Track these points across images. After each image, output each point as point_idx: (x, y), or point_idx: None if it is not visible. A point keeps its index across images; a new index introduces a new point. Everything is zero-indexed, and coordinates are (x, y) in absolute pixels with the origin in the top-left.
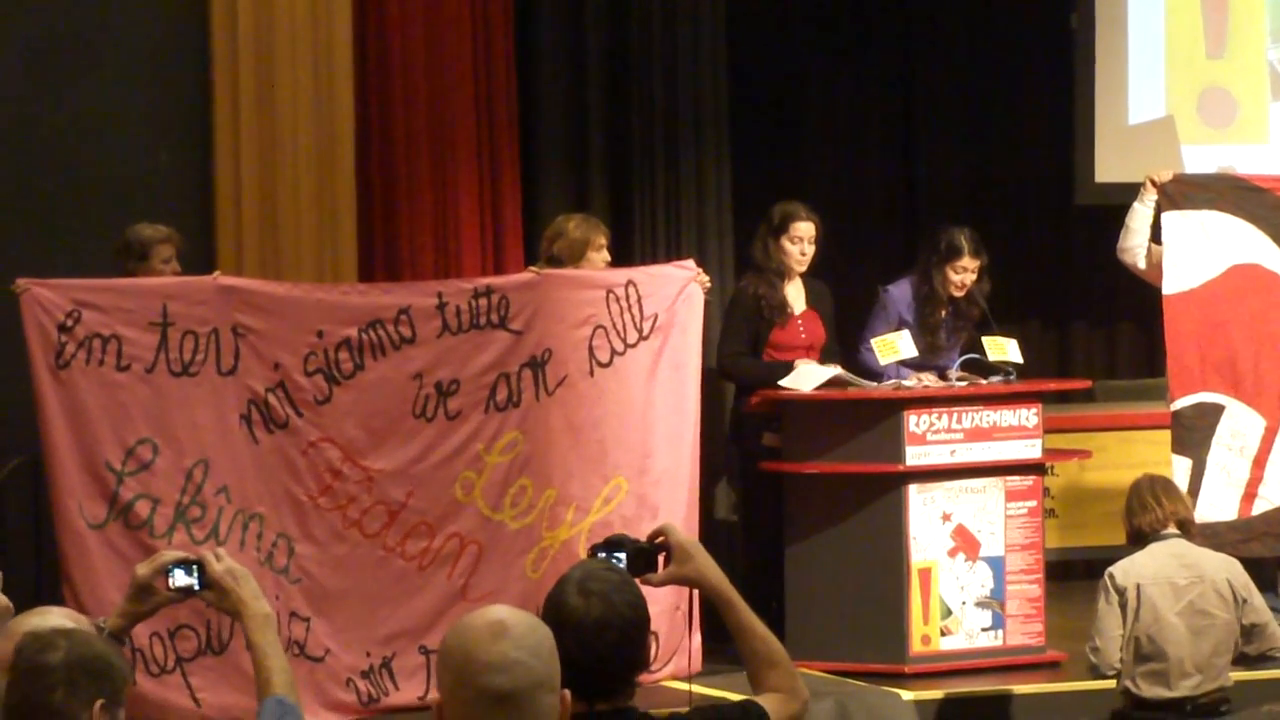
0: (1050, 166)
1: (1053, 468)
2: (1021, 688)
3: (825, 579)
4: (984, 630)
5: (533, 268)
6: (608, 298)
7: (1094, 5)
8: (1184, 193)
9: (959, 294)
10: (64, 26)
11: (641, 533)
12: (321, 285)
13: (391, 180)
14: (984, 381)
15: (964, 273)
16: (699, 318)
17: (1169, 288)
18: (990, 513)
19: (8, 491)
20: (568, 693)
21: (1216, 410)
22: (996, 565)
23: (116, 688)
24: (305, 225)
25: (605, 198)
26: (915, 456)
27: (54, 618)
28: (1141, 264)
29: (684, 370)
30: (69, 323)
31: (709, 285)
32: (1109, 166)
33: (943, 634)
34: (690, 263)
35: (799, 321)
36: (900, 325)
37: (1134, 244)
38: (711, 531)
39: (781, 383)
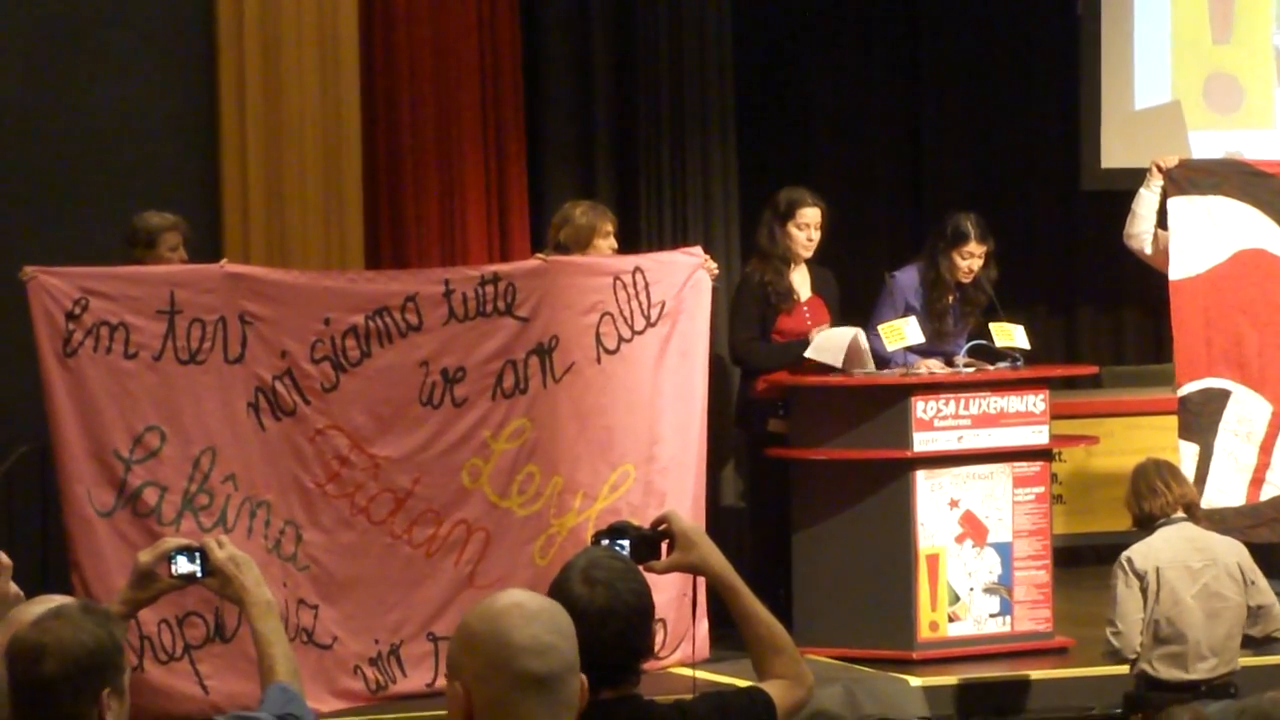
0: (1056, 152)
1: (1060, 453)
2: (1029, 673)
3: (833, 565)
4: (992, 616)
5: (540, 254)
6: (615, 285)
7: None
8: (1190, 178)
9: (966, 280)
10: (72, 16)
11: (648, 520)
12: (328, 273)
13: (398, 167)
14: (991, 367)
15: (971, 258)
16: (707, 304)
17: (1175, 273)
18: (998, 499)
19: (16, 479)
20: (584, 677)
21: (1223, 396)
22: (1004, 551)
23: (116, 668)
24: (312, 213)
25: (611, 184)
26: (923, 442)
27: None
28: (1148, 249)
29: (691, 357)
30: (77, 311)
31: (716, 272)
32: (1115, 152)
33: (951, 620)
34: (698, 249)
35: (805, 308)
36: (907, 311)
37: (1140, 230)
38: (719, 518)
39: (807, 354)
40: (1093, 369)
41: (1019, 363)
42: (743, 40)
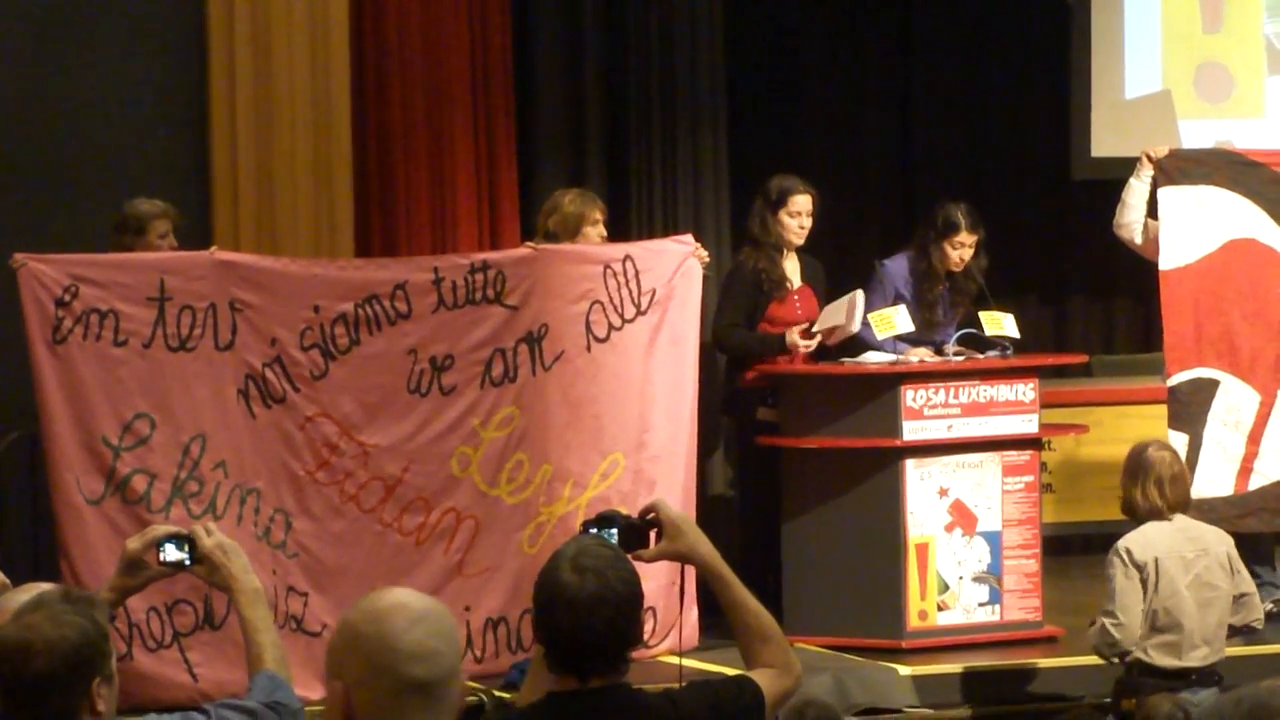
0: (1047, 141)
1: (1050, 442)
2: (1018, 663)
3: (822, 554)
4: (981, 605)
5: (529, 243)
6: (605, 273)
7: None
8: (1180, 168)
9: (956, 269)
10: (62, 4)
11: (638, 509)
12: (318, 260)
13: (388, 155)
14: (981, 356)
15: (961, 248)
16: (697, 292)
17: (1165, 263)
18: (987, 488)
19: (5, 467)
20: (464, 681)
21: (1212, 386)
22: (994, 540)
23: (103, 655)
24: (302, 200)
25: (602, 172)
26: (912, 431)
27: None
28: (1138, 239)
29: (682, 345)
30: (66, 298)
31: (708, 260)
32: (1105, 141)
33: (940, 609)
34: (688, 237)
35: (795, 297)
36: (897, 300)
37: (1130, 219)
38: (708, 506)
39: (815, 327)
40: (1082, 358)
41: (1009, 351)
42: (734, 29)
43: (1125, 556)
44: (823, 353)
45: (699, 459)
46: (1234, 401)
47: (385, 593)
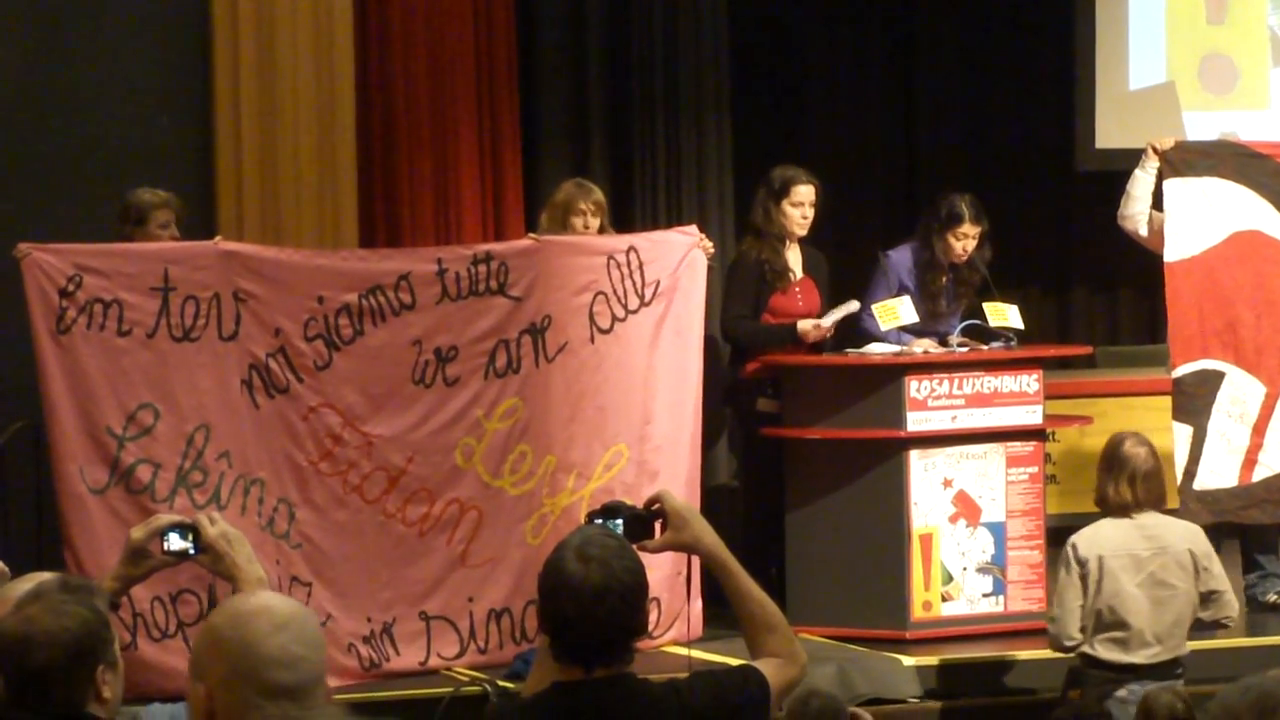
0: (1051, 132)
1: (1054, 433)
2: (1022, 653)
3: (826, 545)
4: (985, 596)
5: (532, 234)
6: (609, 264)
7: None
8: (1186, 159)
9: (960, 261)
10: None
11: (642, 500)
12: (322, 251)
13: (392, 146)
14: (985, 347)
15: (965, 239)
16: (702, 284)
17: (1170, 255)
18: (991, 478)
19: (9, 456)
20: (328, 685)
21: (1217, 377)
22: (998, 531)
23: (105, 642)
24: (306, 191)
25: (606, 164)
26: (916, 422)
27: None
28: (1143, 231)
29: (686, 336)
30: (70, 288)
31: (712, 251)
32: (1110, 132)
33: (944, 600)
34: (693, 228)
35: (797, 288)
36: (901, 290)
37: (1135, 211)
38: (712, 497)
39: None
40: (1087, 349)
41: (1013, 342)
42: (738, 19)
43: (1070, 553)
44: (828, 343)
45: (703, 449)
46: (1239, 393)
47: (249, 596)
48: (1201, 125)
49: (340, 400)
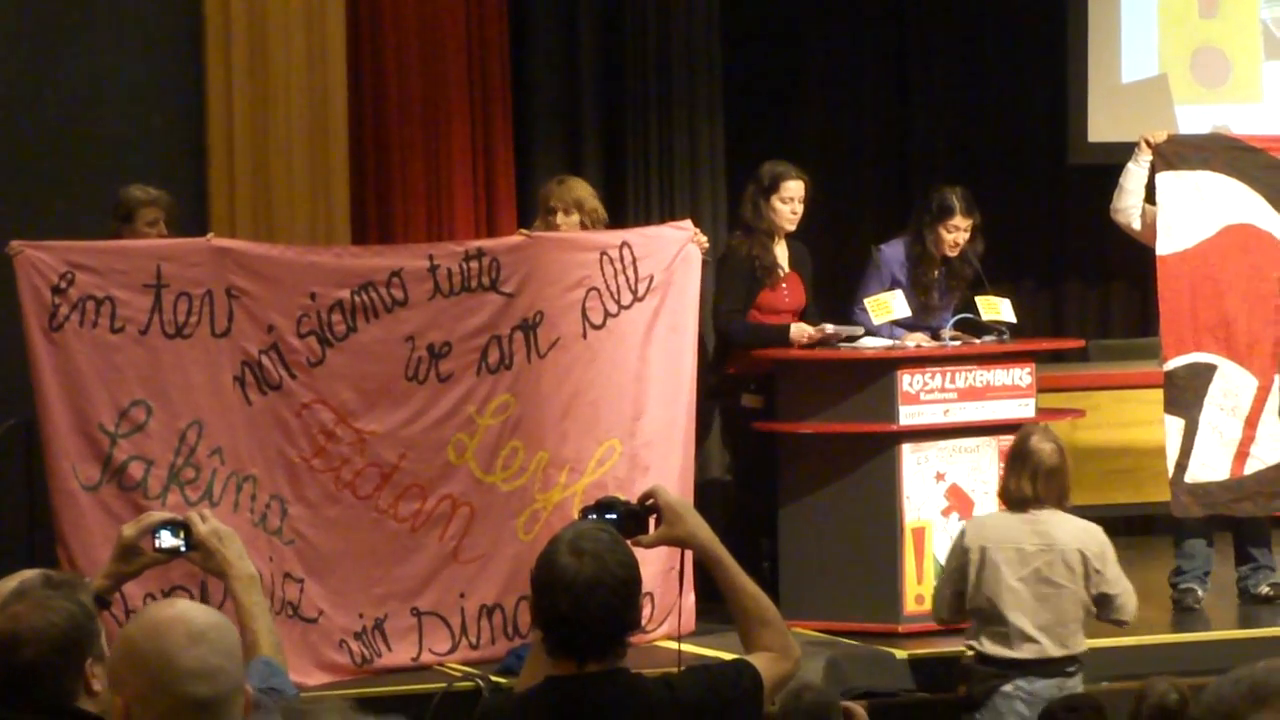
0: (1044, 126)
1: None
2: None
3: (819, 539)
4: None
5: (523, 230)
6: (601, 259)
7: None
8: (1178, 153)
9: (952, 253)
10: None
11: (635, 494)
12: (314, 247)
13: (384, 142)
14: (977, 341)
15: (956, 231)
16: (696, 279)
17: (1162, 248)
18: (984, 472)
19: (1, 453)
20: (250, 688)
21: (1209, 370)
22: None
23: (92, 635)
24: (298, 187)
25: (598, 159)
26: (909, 416)
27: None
28: (1136, 224)
29: (680, 331)
30: (63, 285)
31: (707, 245)
32: (1102, 126)
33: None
34: (688, 223)
35: (784, 285)
36: (893, 285)
37: (1128, 204)
38: (704, 492)
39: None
40: (1079, 342)
41: (1005, 336)
42: (730, 15)
43: (958, 537)
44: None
45: (695, 444)
46: (1231, 386)
47: (166, 606)
48: (1194, 118)
49: (333, 396)
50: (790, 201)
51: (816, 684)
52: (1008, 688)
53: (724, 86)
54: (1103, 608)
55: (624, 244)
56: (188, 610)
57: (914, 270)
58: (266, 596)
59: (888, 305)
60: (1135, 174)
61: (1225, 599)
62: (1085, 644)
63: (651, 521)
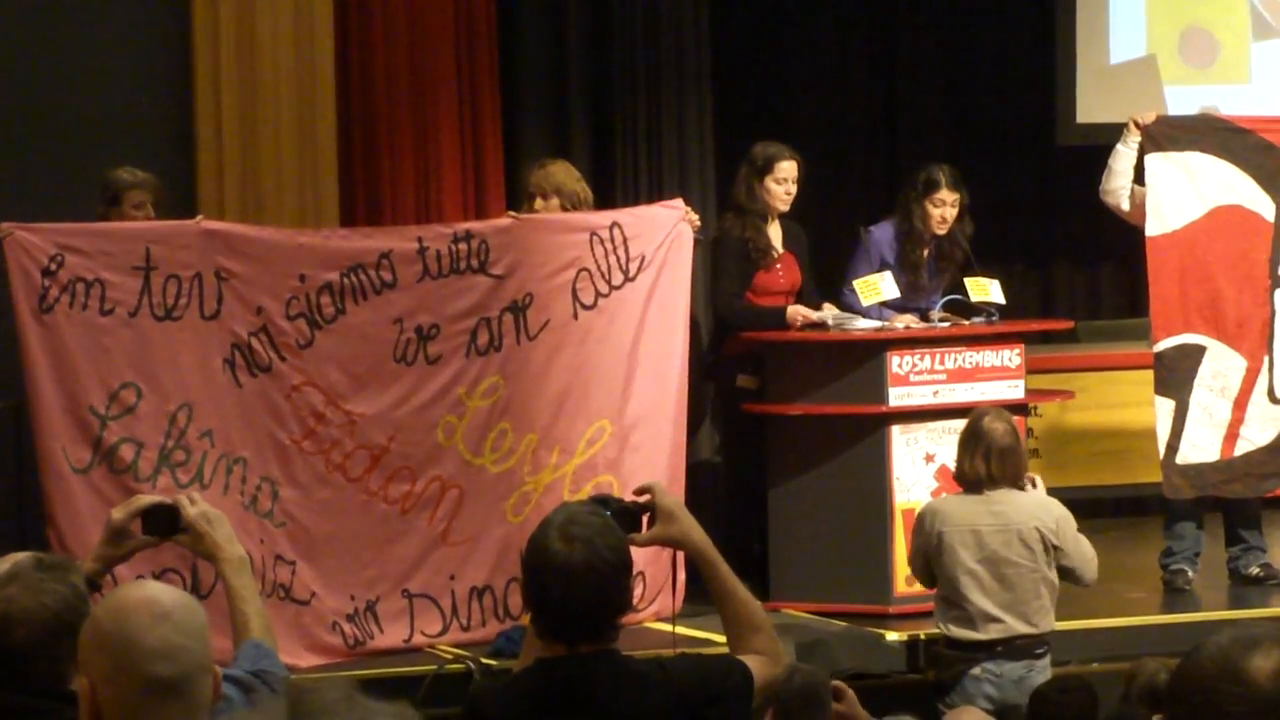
0: (1032, 107)
1: (1036, 408)
2: None
3: (808, 520)
4: None
5: (511, 212)
6: (591, 240)
7: None
8: (1167, 134)
9: (940, 230)
10: None
11: (624, 474)
12: (303, 230)
13: (373, 124)
14: (966, 322)
15: (943, 206)
16: (688, 258)
17: (1151, 229)
18: None
19: None
20: (219, 669)
21: (1198, 351)
22: None
23: (84, 618)
24: (286, 169)
25: (587, 141)
26: (898, 397)
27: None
28: (1125, 205)
29: (672, 311)
30: (52, 267)
31: (699, 224)
32: (1090, 107)
33: None
34: (679, 202)
35: (779, 265)
36: (882, 267)
37: (1117, 185)
38: (694, 473)
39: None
40: (1068, 324)
41: (994, 317)
42: None
43: (917, 521)
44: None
45: (686, 425)
46: (1220, 367)
47: (132, 587)
48: (1182, 99)
49: (322, 379)
50: (784, 182)
51: (806, 665)
52: (975, 671)
53: (712, 66)
54: (1066, 578)
55: (614, 224)
56: (154, 591)
57: (903, 249)
58: (257, 579)
59: (876, 287)
60: (1124, 155)
61: (1215, 580)
62: (1053, 624)
63: (645, 520)
